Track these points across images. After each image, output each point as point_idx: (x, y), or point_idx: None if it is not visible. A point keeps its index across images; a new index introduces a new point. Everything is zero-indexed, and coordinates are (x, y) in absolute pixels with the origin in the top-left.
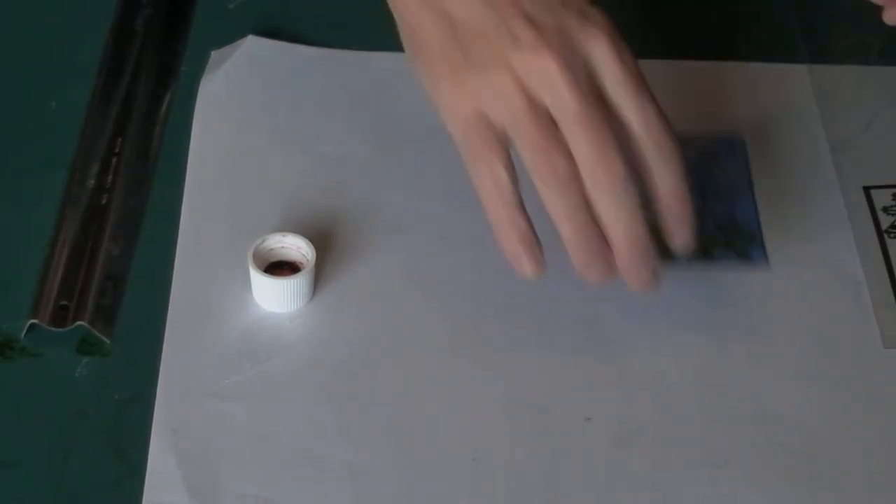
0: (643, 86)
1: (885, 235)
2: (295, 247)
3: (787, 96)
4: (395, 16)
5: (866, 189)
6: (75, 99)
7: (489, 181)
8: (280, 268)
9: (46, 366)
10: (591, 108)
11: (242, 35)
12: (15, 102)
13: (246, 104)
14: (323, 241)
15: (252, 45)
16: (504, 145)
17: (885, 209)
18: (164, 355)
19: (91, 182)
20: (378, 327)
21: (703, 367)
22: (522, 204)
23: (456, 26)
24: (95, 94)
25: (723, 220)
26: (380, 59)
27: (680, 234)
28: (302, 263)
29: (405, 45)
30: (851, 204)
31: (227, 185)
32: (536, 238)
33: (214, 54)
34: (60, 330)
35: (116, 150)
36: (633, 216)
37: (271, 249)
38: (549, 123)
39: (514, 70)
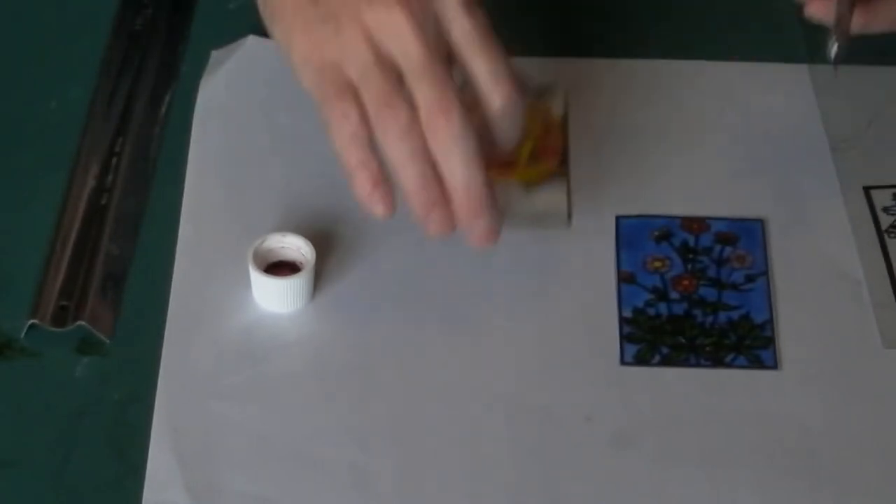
0: (491, 42)
1: (886, 235)
2: (295, 247)
3: (787, 96)
4: None
5: (866, 189)
6: (75, 99)
7: (343, 126)
8: (280, 268)
9: (46, 366)
10: (436, 58)
11: (243, 35)
12: (15, 102)
13: (246, 104)
14: (323, 241)
15: (252, 45)
16: (356, 94)
17: (886, 209)
18: (164, 355)
19: (91, 182)
20: (378, 327)
21: (703, 368)
22: (375, 149)
23: None
24: (95, 94)
25: (735, 315)
26: None
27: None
28: (302, 263)
29: (261, 9)
30: (851, 204)
31: (227, 185)
32: (388, 181)
33: (215, 54)
34: (60, 330)
35: (117, 150)
36: (471, 165)
37: (271, 249)
38: (395, 76)
39: (365, 24)
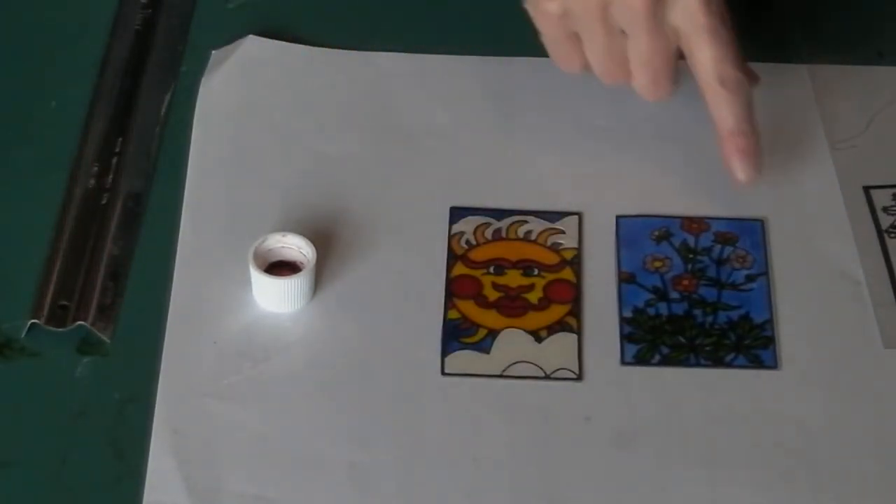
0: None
1: (885, 235)
2: (295, 247)
3: (787, 96)
4: None
5: (866, 189)
6: (75, 99)
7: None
8: (280, 268)
9: (46, 366)
10: (654, 17)
11: (243, 35)
12: (15, 102)
13: (246, 104)
14: (323, 240)
15: (252, 45)
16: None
17: (885, 209)
18: (164, 355)
19: (91, 182)
20: (378, 327)
21: (703, 368)
22: None
23: None
24: (95, 93)
25: (735, 315)
26: (380, 59)
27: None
28: (302, 263)
29: None
30: (851, 204)
31: (228, 184)
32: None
33: (214, 54)
34: (61, 330)
35: (116, 150)
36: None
37: (271, 249)
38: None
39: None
